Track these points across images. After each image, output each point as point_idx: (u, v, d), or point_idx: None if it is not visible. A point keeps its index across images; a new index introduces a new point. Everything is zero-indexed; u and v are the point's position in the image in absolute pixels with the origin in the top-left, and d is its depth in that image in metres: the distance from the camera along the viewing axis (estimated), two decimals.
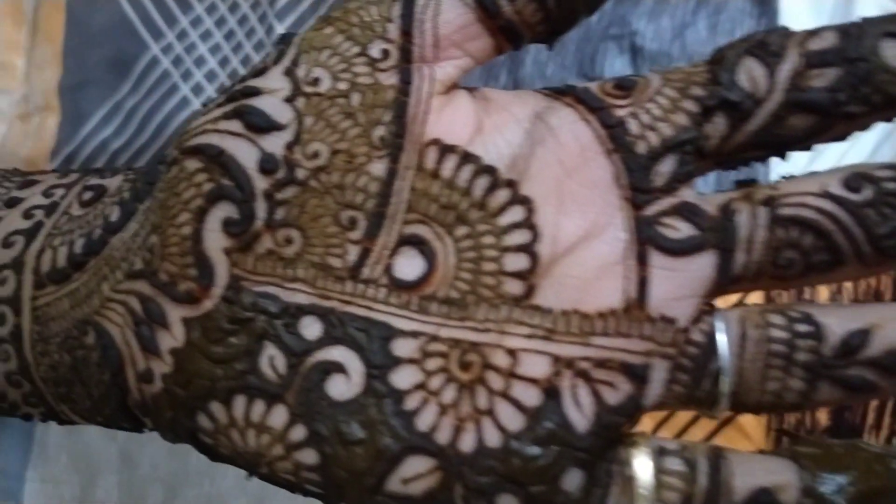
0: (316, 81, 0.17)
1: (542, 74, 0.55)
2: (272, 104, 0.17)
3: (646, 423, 0.50)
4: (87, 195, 0.19)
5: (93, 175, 0.20)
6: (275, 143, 0.17)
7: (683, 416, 0.49)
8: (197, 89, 0.59)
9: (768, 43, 0.15)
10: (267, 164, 0.17)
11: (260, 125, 0.17)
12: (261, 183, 0.17)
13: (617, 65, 0.52)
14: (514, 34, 0.17)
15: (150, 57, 0.59)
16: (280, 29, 0.57)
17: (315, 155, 0.17)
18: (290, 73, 0.17)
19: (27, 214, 0.19)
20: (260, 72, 0.17)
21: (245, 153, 0.17)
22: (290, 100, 0.17)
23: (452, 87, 0.17)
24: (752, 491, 0.15)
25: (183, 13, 0.60)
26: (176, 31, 0.60)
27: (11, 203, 0.19)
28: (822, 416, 0.49)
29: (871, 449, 0.15)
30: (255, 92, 0.17)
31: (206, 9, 0.59)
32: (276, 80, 0.17)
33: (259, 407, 0.17)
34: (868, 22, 0.15)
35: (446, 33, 0.17)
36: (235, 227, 0.17)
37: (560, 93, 0.17)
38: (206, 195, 0.17)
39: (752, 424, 0.50)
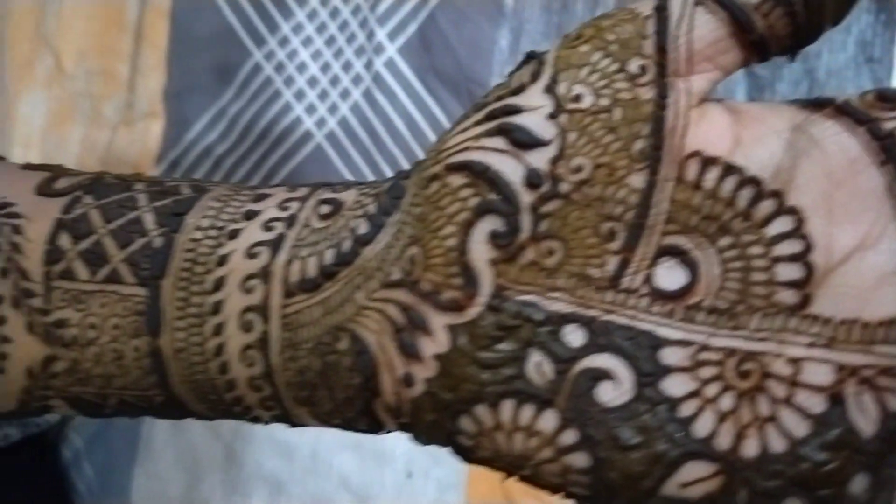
0: (578, 98, 0.17)
1: None
2: (535, 121, 0.17)
3: None
4: (325, 209, 0.20)
5: (323, 189, 0.21)
6: (539, 159, 0.17)
7: None
8: (299, 94, 0.59)
9: None
10: (533, 179, 0.17)
11: (525, 141, 0.17)
12: (526, 197, 0.17)
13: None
14: (763, 48, 0.17)
15: (253, 63, 0.61)
16: (381, 34, 0.57)
17: (578, 169, 0.17)
18: (550, 90, 0.17)
19: (267, 227, 0.20)
20: (517, 90, 0.18)
21: (511, 169, 0.17)
22: (553, 116, 0.17)
23: (705, 100, 0.17)
24: None
25: (284, 20, 0.60)
26: (278, 37, 0.61)
27: (249, 216, 0.21)
28: None
29: None
30: (517, 110, 0.18)
31: (308, 15, 0.60)
32: (537, 98, 0.18)
33: (528, 411, 0.17)
34: None
35: (700, 48, 0.17)
36: (502, 239, 0.17)
37: (815, 105, 0.17)
38: (473, 209, 0.17)
39: None
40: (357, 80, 0.59)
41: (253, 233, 0.20)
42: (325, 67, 0.59)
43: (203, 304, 0.20)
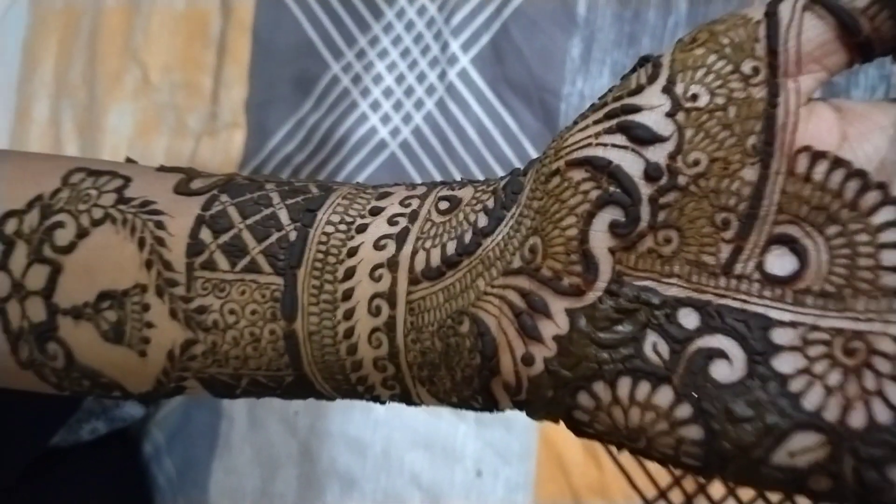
0: (695, 97, 0.18)
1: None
2: (654, 119, 0.18)
3: None
4: (444, 205, 0.22)
5: (441, 187, 0.23)
6: (658, 154, 0.18)
7: None
8: (375, 105, 0.60)
9: None
10: (652, 173, 0.18)
11: (644, 138, 0.18)
12: (646, 189, 0.18)
13: None
14: (868, 49, 0.18)
15: (331, 76, 0.63)
16: (455, 45, 0.58)
17: (695, 163, 0.18)
18: (668, 90, 0.19)
19: (391, 221, 0.22)
20: (636, 91, 0.19)
21: (631, 163, 0.18)
22: (671, 114, 0.18)
23: (812, 98, 0.18)
24: None
25: (362, 33, 0.62)
26: (355, 50, 0.62)
27: (374, 212, 0.22)
28: None
29: None
30: (636, 109, 0.19)
31: (384, 28, 0.61)
32: (655, 98, 0.19)
33: (645, 387, 0.18)
34: None
35: (808, 50, 0.18)
36: (622, 229, 0.18)
37: None
38: (594, 201, 0.18)
39: None
40: (430, 90, 0.60)
41: (379, 227, 0.22)
42: (400, 78, 0.60)
43: (335, 292, 0.22)
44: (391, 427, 0.58)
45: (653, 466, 0.51)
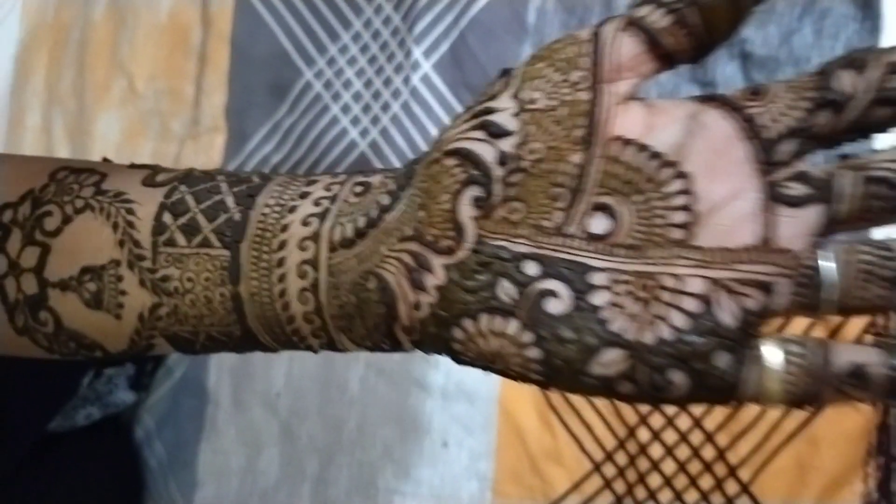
0: (534, 101, 0.23)
1: (657, 82, 0.59)
2: (505, 118, 0.23)
3: None
4: (358, 188, 0.26)
5: (358, 175, 0.27)
6: (507, 144, 0.23)
7: None
8: (345, 108, 0.64)
9: (859, 58, 0.21)
10: (502, 159, 0.23)
11: (497, 132, 0.23)
12: (498, 172, 0.23)
13: (728, 70, 0.54)
14: (671, 59, 0.23)
15: (304, 82, 0.66)
16: (418, 52, 0.62)
17: (535, 151, 0.23)
18: (515, 96, 0.23)
19: (316, 203, 0.26)
20: (493, 96, 0.24)
21: (488, 152, 0.23)
22: (516, 114, 0.23)
23: (628, 98, 0.23)
24: (851, 365, 0.21)
25: (332, 42, 0.65)
26: (326, 58, 0.65)
27: (303, 196, 0.26)
28: None
29: None
30: (492, 111, 0.23)
31: (352, 37, 0.64)
32: (506, 102, 0.23)
33: (499, 321, 0.22)
34: None
35: (624, 62, 0.23)
36: (481, 202, 0.23)
37: (707, 99, 0.23)
38: (462, 181, 0.23)
39: None
40: (396, 94, 0.63)
41: (306, 208, 0.26)
42: (368, 83, 0.64)
43: (271, 260, 0.26)
44: (364, 404, 0.61)
45: (600, 431, 0.55)
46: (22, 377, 0.53)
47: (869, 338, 0.27)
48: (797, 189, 0.22)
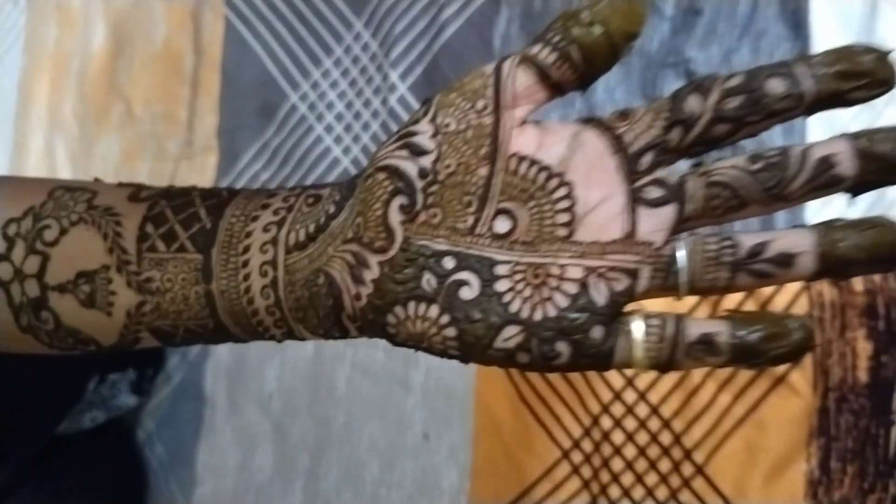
0: (447, 125, 0.27)
1: (612, 98, 0.61)
2: (424, 139, 0.27)
3: (711, 386, 0.57)
4: (311, 199, 0.29)
5: (311, 188, 0.30)
6: (427, 161, 0.27)
7: (744, 377, 0.55)
8: (328, 129, 0.67)
9: (704, 84, 0.25)
10: (423, 173, 0.26)
11: (418, 151, 0.27)
12: (419, 183, 0.26)
13: (675, 87, 0.59)
14: (559, 88, 0.26)
15: (290, 104, 0.69)
16: (394, 76, 0.65)
17: (448, 166, 0.26)
18: (433, 121, 0.27)
19: (275, 213, 0.29)
20: (415, 121, 0.27)
21: (410, 167, 0.27)
22: (433, 136, 0.27)
23: (524, 122, 0.27)
24: (700, 335, 0.25)
25: (315, 67, 0.68)
26: (310, 82, 0.68)
27: (264, 207, 0.30)
28: (862, 374, 0.53)
29: (777, 313, 0.25)
30: (414, 133, 0.27)
31: (334, 62, 0.67)
32: (425, 126, 0.27)
33: (423, 306, 0.26)
34: (762, 67, 0.25)
35: (519, 91, 0.26)
36: (407, 209, 0.26)
37: (588, 121, 0.27)
38: (390, 192, 0.27)
39: (800, 383, 0.54)
40: (375, 114, 0.66)
41: (267, 217, 0.29)
42: (349, 105, 0.67)
43: (237, 262, 0.29)
44: (351, 403, 0.64)
45: (567, 421, 0.58)
46: (32, 384, 0.56)
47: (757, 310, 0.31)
48: (655, 192, 0.26)
